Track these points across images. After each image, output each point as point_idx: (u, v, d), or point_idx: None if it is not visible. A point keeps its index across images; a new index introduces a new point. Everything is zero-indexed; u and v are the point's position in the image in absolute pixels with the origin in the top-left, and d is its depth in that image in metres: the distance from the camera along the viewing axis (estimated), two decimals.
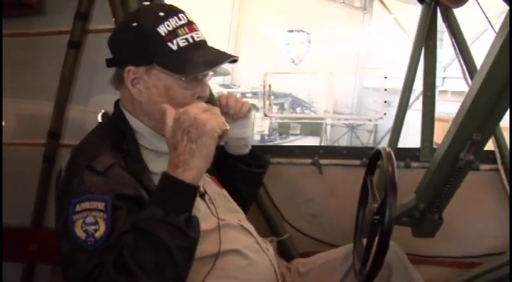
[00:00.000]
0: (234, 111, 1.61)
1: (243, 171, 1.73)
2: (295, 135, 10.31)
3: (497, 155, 2.19)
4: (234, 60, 1.38)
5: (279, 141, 10.30)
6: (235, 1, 10.94)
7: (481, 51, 1.65)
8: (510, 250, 1.38)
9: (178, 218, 1.14)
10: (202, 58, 1.34)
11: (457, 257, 2.20)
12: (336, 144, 10.25)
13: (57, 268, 2.40)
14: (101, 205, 1.19)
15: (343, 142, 10.56)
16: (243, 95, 10.73)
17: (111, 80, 1.44)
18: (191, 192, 1.18)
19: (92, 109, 2.30)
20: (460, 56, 2.22)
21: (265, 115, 6.61)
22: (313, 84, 10.12)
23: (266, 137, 10.41)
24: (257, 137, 10.35)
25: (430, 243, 2.14)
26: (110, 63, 1.43)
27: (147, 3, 2.12)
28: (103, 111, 2.27)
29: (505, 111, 1.53)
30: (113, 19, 2.14)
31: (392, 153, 1.41)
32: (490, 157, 2.19)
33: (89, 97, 2.32)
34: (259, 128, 10.24)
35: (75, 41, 2.28)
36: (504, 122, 1.73)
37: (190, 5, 1.91)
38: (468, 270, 2.16)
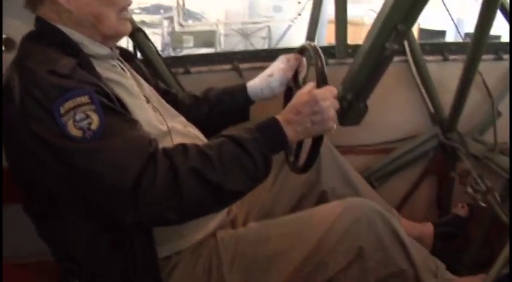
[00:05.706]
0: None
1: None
2: (189, 48, 10.09)
3: (407, 47, 2.31)
4: None
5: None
6: None
7: None
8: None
9: (270, 153, 1.25)
10: None
11: (375, 144, 2.35)
12: None
13: None
14: (84, 99, 1.12)
15: None
16: (131, 11, 10.18)
17: (26, 3, 1.31)
18: (284, 146, 1.29)
19: None
20: None
21: (181, 25, 6.56)
22: None
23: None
24: None
25: (349, 133, 2.26)
26: None
27: None
28: (4, 36, 2.05)
29: (425, 3, 1.63)
30: None
31: (318, 47, 1.42)
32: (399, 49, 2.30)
33: None
34: None
35: None
36: None
37: None
38: (386, 156, 2.34)
